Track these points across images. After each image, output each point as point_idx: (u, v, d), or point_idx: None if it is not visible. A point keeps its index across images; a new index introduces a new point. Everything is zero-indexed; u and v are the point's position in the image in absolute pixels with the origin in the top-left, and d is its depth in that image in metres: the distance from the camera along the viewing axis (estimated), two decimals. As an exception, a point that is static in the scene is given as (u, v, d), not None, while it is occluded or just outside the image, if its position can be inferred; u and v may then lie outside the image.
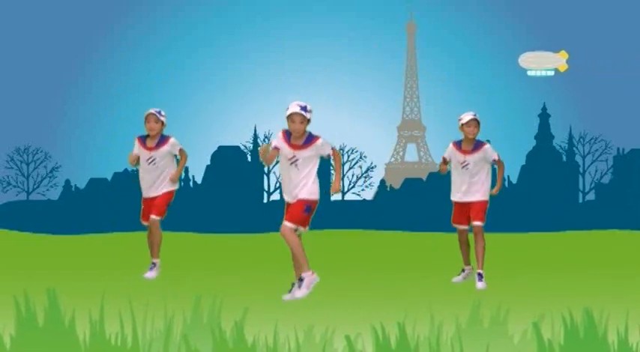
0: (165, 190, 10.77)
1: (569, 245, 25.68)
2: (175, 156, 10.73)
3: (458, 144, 10.26)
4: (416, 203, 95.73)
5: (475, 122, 10.13)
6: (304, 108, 8.19)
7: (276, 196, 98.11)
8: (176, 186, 10.87)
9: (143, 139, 10.59)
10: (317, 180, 8.33)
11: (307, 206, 8.23)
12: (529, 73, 12.47)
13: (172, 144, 10.58)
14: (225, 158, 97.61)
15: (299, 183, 8.23)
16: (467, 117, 10.14)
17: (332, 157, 8.36)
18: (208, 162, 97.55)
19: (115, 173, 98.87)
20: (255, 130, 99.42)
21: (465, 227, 10.48)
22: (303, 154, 8.22)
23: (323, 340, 4.60)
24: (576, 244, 26.10)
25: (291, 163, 8.21)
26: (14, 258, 18.84)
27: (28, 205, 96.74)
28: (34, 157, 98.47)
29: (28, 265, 15.08)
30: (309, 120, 8.23)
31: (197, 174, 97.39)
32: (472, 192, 10.29)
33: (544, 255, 18.79)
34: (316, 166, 8.28)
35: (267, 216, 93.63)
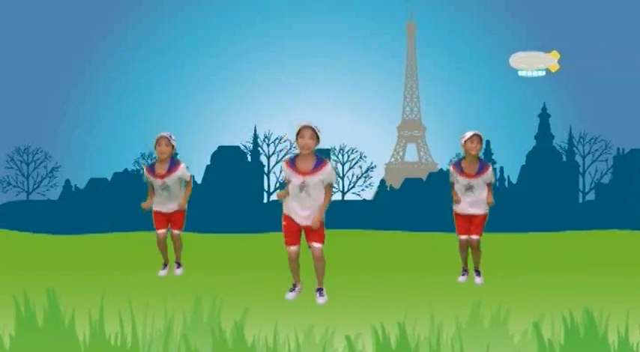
0: (179, 209, 11.11)
1: (569, 245, 25.68)
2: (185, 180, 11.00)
3: (458, 168, 10.31)
4: (416, 203, 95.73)
5: (478, 138, 10.15)
6: (315, 126, 8.25)
7: (276, 196, 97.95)
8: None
9: (151, 168, 10.83)
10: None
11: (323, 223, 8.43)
12: (520, 73, 12.45)
13: (183, 172, 10.88)
14: (225, 158, 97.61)
15: (311, 207, 8.29)
16: (469, 133, 10.17)
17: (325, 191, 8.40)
18: (208, 162, 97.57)
19: (115, 173, 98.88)
20: (255, 130, 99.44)
21: (468, 237, 10.63)
22: (312, 180, 8.25)
23: (323, 340, 4.60)
24: (576, 244, 26.10)
25: (301, 190, 8.25)
26: (14, 258, 18.86)
27: (28, 205, 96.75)
28: (34, 157, 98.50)
29: (28, 265, 15.08)
30: (318, 139, 8.23)
31: (197, 174, 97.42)
32: (476, 206, 10.40)
33: (544, 255, 18.78)
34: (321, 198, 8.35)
35: (267, 216, 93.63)
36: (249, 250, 22.06)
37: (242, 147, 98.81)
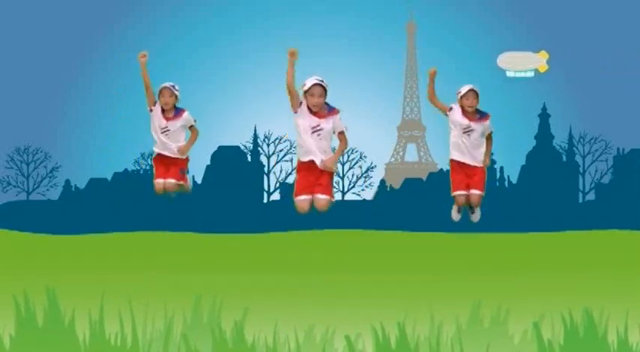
0: (182, 158, 10.94)
1: (569, 245, 25.73)
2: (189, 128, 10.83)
3: (461, 109, 10.12)
4: (416, 203, 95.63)
5: (474, 93, 9.97)
6: (322, 81, 8.02)
7: (276, 196, 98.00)
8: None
9: (161, 109, 10.81)
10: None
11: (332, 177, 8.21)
12: (508, 73, 12.35)
13: (186, 119, 10.75)
14: (225, 158, 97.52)
15: (323, 150, 8.09)
16: (465, 88, 9.98)
17: (339, 139, 8.22)
18: (208, 162, 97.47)
19: (115, 173, 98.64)
20: (255, 130, 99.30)
21: (466, 193, 10.21)
22: (327, 125, 8.07)
23: (323, 340, 4.59)
24: (576, 244, 26.16)
25: (313, 132, 8.03)
26: (14, 257, 18.81)
27: (28, 205, 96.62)
28: (34, 157, 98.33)
29: (28, 265, 15.07)
30: (326, 94, 8.07)
31: (197, 174, 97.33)
32: (474, 155, 10.11)
33: (544, 255, 18.77)
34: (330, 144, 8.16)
35: (267, 216, 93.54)
36: (249, 250, 22.06)
37: (242, 147, 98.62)
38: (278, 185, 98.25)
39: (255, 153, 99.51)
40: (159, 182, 10.86)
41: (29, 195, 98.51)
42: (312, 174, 8.15)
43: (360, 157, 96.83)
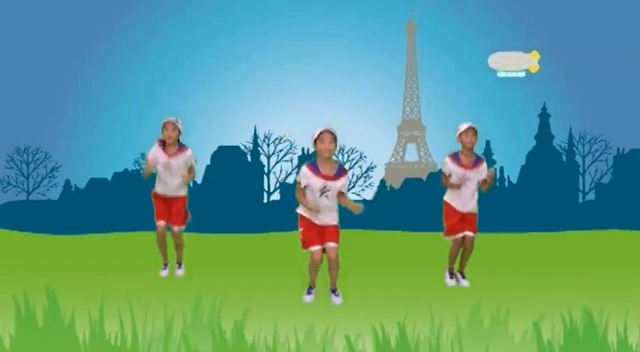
0: (181, 194, 11.11)
1: (569, 245, 25.71)
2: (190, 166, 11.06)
3: (455, 159, 10.21)
4: (416, 203, 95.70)
5: (473, 131, 10.07)
6: (332, 130, 8.29)
7: (276, 196, 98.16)
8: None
9: (163, 144, 10.92)
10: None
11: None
12: (499, 74, 12.34)
13: (189, 157, 10.96)
14: (225, 158, 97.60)
15: (330, 210, 8.34)
16: (464, 125, 10.09)
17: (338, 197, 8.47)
18: (208, 162, 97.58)
19: (115, 173, 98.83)
20: (255, 130, 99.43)
21: (463, 234, 10.47)
22: (335, 185, 8.32)
23: (323, 340, 4.60)
24: (576, 244, 26.13)
25: (322, 194, 8.28)
26: (14, 258, 18.84)
27: (28, 205, 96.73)
28: (34, 157, 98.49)
29: (28, 265, 15.08)
30: (336, 143, 8.30)
31: (197, 174, 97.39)
32: (473, 203, 10.31)
33: (544, 255, 18.78)
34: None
35: (267, 216, 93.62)
36: (249, 250, 22.06)
37: (242, 147, 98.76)
38: (278, 185, 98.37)
39: (255, 153, 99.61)
40: (161, 225, 11.00)
41: (29, 195, 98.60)
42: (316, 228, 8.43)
43: (360, 157, 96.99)
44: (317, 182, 8.26)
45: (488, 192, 10.47)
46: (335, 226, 8.39)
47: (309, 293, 8.35)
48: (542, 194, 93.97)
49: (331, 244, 8.29)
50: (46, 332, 4.39)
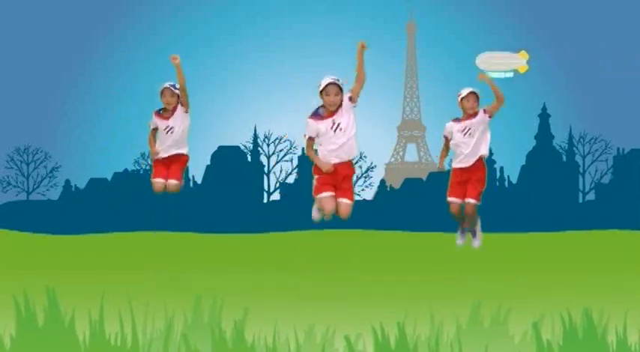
0: (183, 152, 10.94)
1: (569, 245, 25.75)
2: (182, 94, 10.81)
3: (457, 120, 10.21)
4: (416, 203, 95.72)
5: (474, 96, 10.07)
6: (337, 80, 8.02)
7: (276, 196, 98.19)
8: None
9: (159, 111, 10.85)
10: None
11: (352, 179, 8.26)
12: (487, 74, 12.31)
13: (179, 109, 10.77)
14: (225, 158, 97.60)
15: (348, 148, 8.11)
16: (465, 90, 10.09)
17: (355, 82, 8.19)
18: (208, 162, 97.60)
19: (115, 173, 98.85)
20: (255, 130, 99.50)
21: (460, 201, 10.28)
22: (342, 118, 8.07)
23: (323, 340, 4.60)
24: (576, 244, 26.16)
25: (334, 130, 8.06)
26: (14, 258, 18.84)
27: (28, 205, 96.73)
28: (34, 157, 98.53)
29: (28, 265, 15.08)
30: (342, 93, 8.06)
31: (197, 174, 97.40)
32: (474, 154, 10.16)
33: (544, 255, 18.78)
34: (355, 126, 8.12)
35: (267, 216, 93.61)
36: (249, 250, 22.05)
37: (242, 147, 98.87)
38: (278, 185, 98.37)
39: (255, 153, 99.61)
40: (158, 181, 10.85)
41: (29, 195, 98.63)
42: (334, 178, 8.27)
43: (360, 157, 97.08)
44: (325, 123, 8.04)
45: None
46: (348, 175, 8.12)
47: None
48: (542, 194, 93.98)
49: (343, 200, 8.12)
50: (47, 332, 4.39)
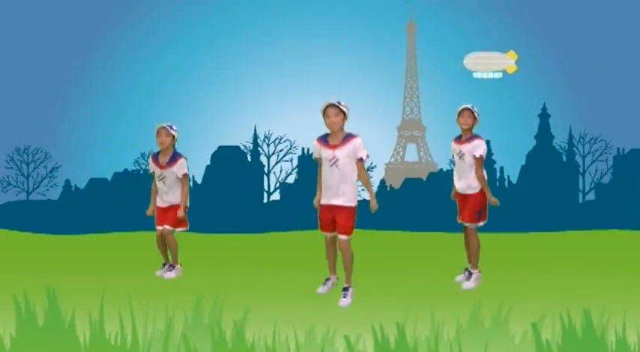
0: (176, 202, 11.01)
1: (569, 245, 25.71)
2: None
3: (457, 138, 10.31)
4: (416, 203, 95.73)
5: (468, 112, 10.15)
6: (338, 102, 8.16)
7: (276, 196, 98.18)
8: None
9: (156, 156, 10.88)
10: (355, 185, 8.36)
11: (351, 216, 8.30)
12: (475, 75, 12.21)
13: (179, 167, 10.84)
14: (225, 158, 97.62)
15: (340, 182, 8.21)
16: (461, 107, 10.21)
17: (356, 167, 8.31)
18: (208, 162, 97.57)
19: (115, 173, 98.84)
20: (255, 130, 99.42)
21: (462, 223, 10.45)
22: (342, 152, 8.18)
23: (323, 340, 4.60)
24: (576, 244, 26.13)
25: (331, 164, 8.19)
26: (14, 258, 18.85)
27: (28, 205, 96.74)
28: (34, 157, 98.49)
29: (28, 265, 15.08)
30: (345, 115, 8.16)
31: (197, 174, 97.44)
32: (468, 183, 10.25)
33: (544, 255, 18.78)
34: (355, 171, 8.25)
35: (267, 216, 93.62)
36: (249, 250, 22.05)
37: (242, 147, 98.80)
38: (278, 185, 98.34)
39: (255, 153, 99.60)
40: (158, 229, 10.96)
41: (29, 195, 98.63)
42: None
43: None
44: (325, 152, 8.22)
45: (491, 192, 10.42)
46: (345, 210, 8.22)
47: (324, 283, 8.31)
48: (542, 194, 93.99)
49: (338, 236, 8.24)
50: (47, 332, 4.39)
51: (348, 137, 8.17)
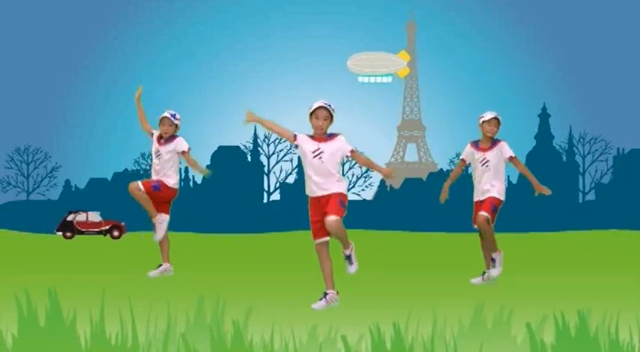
0: (167, 182, 10.93)
1: (569, 245, 25.74)
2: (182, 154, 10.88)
3: (475, 144, 10.26)
4: (416, 203, 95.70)
5: (496, 121, 10.16)
6: (329, 105, 7.88)
7: (276, 196, 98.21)
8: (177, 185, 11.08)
9: (160, 135, 10.95)
10: (343, 178, 8.05)
11: (341, 200, 7.89)
12: (360, 79, 11.27)
13: (178, 144, 10.84)
14: (225, 158, 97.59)
15: (327, 177, 7.85)
16: (489, 115, 10.16)
17: (354, 159, 8.04)
18: (208, 162, 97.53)
19: (115, 173, 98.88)
20: (255, 130, 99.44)
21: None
22: (327, 147, 7.85)
23: (323, 340, 4.62)
24: (576, 244, 26.15)
25: (315, 156, 7.82)
26: (14, 257, 18.84)
27: (28, 205, 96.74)
28: (34, 157, 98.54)
29: (28, 265, 15.09)
30: (332, 120, 7.91)
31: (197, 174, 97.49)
32: (487, 187, 10.24)
33: (544, 254, 18.79)
34: (339, 166, 7.93)
35: (267, 216, 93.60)
36: (249, 250, 22.08)
37: (242, 147, 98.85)
38: (278, 185, 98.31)
39: (255, 153, 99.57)
40: (139, 182, 10.83)
41: (29, 195, 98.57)
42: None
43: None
44: (310, 144, 7.81)
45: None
46: (334, 195, 7.84)
47: (320, 298, 7.77)
48: (543, 194, 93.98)
49: (327, 217, 7.76)
50: (48, 331, 4.40)
51: (332, 135, 7.92)
